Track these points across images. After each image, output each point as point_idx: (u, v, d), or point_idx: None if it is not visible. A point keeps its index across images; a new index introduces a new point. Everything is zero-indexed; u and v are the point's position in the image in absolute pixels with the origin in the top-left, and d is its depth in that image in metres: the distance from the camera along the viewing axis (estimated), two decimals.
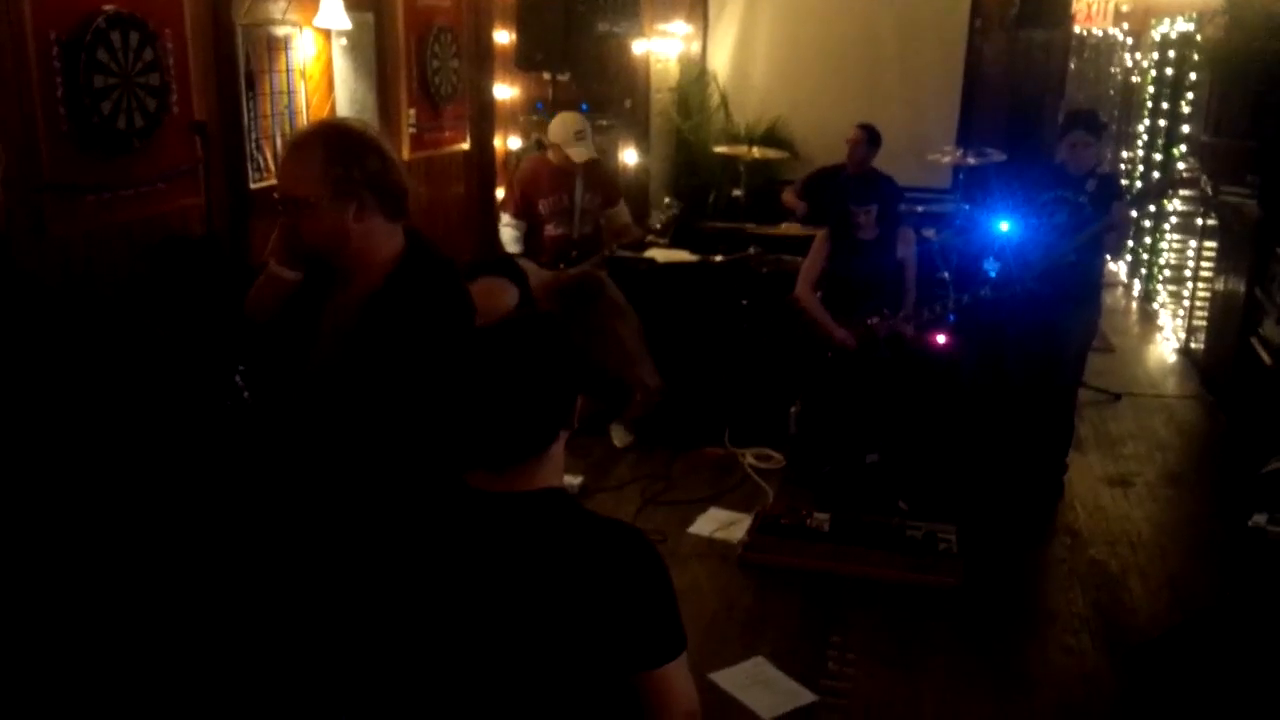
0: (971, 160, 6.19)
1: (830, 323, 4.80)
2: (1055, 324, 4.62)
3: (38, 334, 1.20)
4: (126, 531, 2.77)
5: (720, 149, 7.16)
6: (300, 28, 4.68)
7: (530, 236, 5.23)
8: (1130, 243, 8.80)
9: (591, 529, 1.61)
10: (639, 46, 6.85)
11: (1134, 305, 8.56)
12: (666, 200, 6.40)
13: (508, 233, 5.21)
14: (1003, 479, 4.71)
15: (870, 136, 6.19)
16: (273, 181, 4.50)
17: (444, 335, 2.05)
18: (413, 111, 5.65)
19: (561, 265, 5.13)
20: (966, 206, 6.27)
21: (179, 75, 3.90)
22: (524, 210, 5.19)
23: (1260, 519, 3.04)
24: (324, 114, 4.95)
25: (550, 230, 5.22)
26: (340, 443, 2.11)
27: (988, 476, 4.74)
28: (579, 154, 5.11)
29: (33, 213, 3.32)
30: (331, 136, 2.08)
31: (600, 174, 5.41)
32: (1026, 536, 4.39)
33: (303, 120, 4.74)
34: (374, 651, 1.65)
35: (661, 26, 7.18)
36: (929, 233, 6.02)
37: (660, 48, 7.21)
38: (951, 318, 4.99)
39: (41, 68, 3.29)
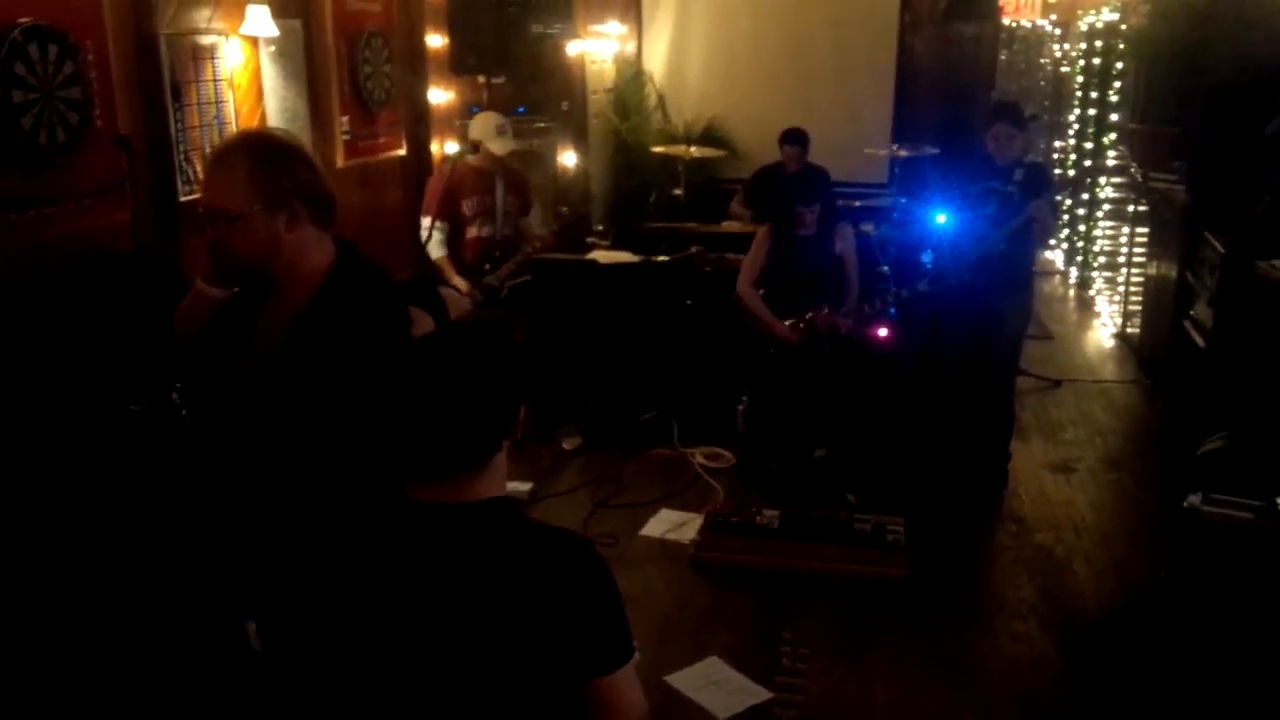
0: (904, 153, 6.25)
1: (773, 319, 4.84)
2: (989, 312, 4.68)
3: None
4: (63, 550, 2.69)
5: (659, 149, 7.16)
6: (226, 36, 4.58)
7: (452, 239, 5.23)
8: (1065, 230, 8.95)
9: (536, 538, 1.60)
10: (574, 48, 6.83)
11: (1071, 292, 8.70)
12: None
13: (434, 236, 5.16)
14: (948, 469, 4.76)
15: (800, 142, 6.21)
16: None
17: (377, 346, 2.01)
18: (346, 119, 5.57)
19: (486, 266, 5.18)
20: (903, 200, 6.33)
21: (102, 87, 3.81)
22: (448, 212, 5.19)
23: (1195, 499, 3.09)
24: (254, 123, 4.86)
25: (474, 232, 5.27)
26: (276, 457, 2.06)
27: (933, 467, 4.78)
28: (501, 146, 5.17)
29: None
30: (257, 147, 2.04)
31: (518, 180, 5.49)
32: (973, 525, 4.44)
33: (233, 130, 4.65)
34: (318, 668, 1.61)
35: (595, 27, 7.16)
36: (867, 227, 6.08)
37: (595, 48, 7.19)
38: (892, 311, 5.04)
39: None
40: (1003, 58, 9.26)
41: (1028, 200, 4.54)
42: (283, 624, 1.67)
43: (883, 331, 5.23)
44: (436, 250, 5.17)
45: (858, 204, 6.39)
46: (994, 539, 4.33)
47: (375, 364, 1.94)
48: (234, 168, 2.00)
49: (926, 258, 5.87)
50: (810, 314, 4.80)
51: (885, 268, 5.80)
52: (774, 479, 4.74)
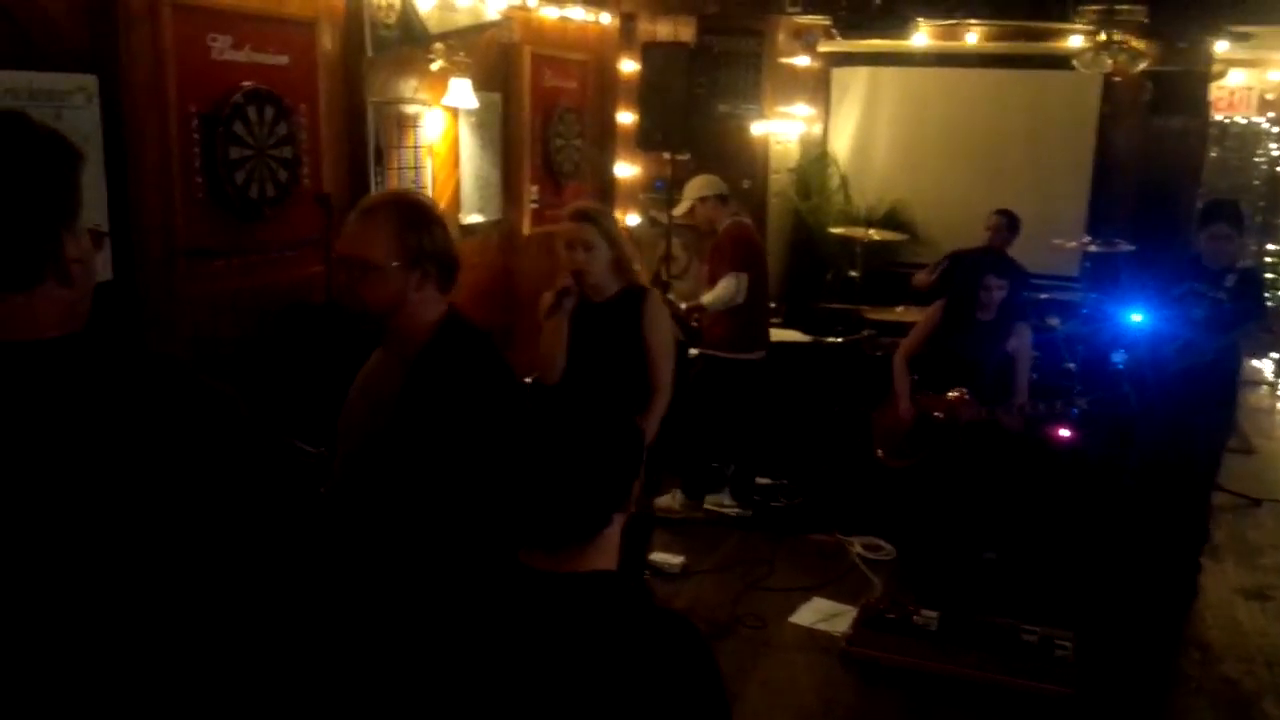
0: (1096, 248, 6.00)
1: (905, 393, 4.66)
2: (1188, 423, 4.38)
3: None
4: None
5: (838, 230, 7.11)
6: (430, 106, 4.85)
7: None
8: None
9: (640, 617, 1.56)
10: (759, 128, 6.90)
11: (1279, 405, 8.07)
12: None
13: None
14: (1128, 584, 4.45)
15: (1010, 222, 6.07)
16: None
17: (487, 399, 2.08)
18: (535, 188, 5.79)
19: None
20: (1094, 295, 6.06)
21: (311, 149, 4.08)
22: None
23: None
24: (449, 189, 5.11)
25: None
26: (390, 501, 2.10)
27: (1112, 581, 4.48)
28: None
29: (166, 274, 3.49)
30: (405, 207, 2.13)
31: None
32: (1151, 647, 4.11)
33: (428, 194, 4.89)
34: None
35: (783, 109, 7.22)
36: (1054, 321, 5.84)
37: (780, 129, 7.24)
38: (1074, 412, 4.79)
39: (181, 140, 3.48)
40: (1214, 154, 8.80)
41: (1240, 307, 4.25)
42: (386, 679, 1.68)
43: (1065, 432, 4.98)
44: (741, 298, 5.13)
45: (1044, 296, 6.14)
46: (1174, 665, 4.00)
47: (485, 418, 1.98)
48: (381, 223, 2.08)
49: (1118, 357, 5.59)
50: (952, 393, 4.56)
51: (1071, 365, 5.54)
52: (936, 578, 4.53)
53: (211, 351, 3.65)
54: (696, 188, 5.29)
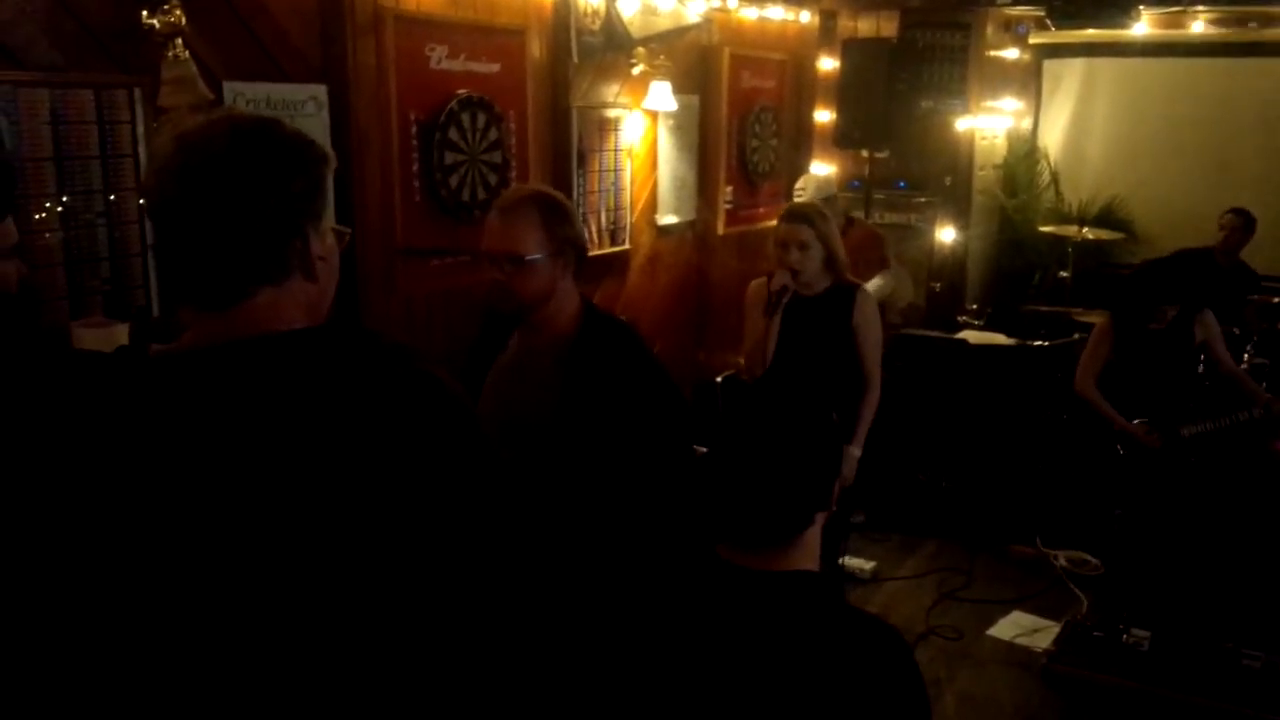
0: None
1: (1122, 420, 4.37)
2: None
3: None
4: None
5: (1047, 228, 6.82)
6: (630, 110, 4.96)
7: None
8: None
9: (843, 621, 1.54)
10: (963, 123, 6.69)
11: None
12: None
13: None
14: None
15: (1246, 222, 5.75)
16: (598, 251, 4.78)
17: (648, 389, 2.21)
18: (730, 188, 5.82)
19: None
20: None
21: (518, 153, 4.25)
22: None
23: None
24: (646, 190, 5.21)
25: None
26: (566, 492, 2.13)
27: None
28: None
29: (385, 272, 3.71)
30: (545, 201, 2.25)
31: None
32: None
33: (626, 196, 5.00)
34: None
35: (989, 103, 6.97)
36: None
37: (986, 124, 6.99)
38: None
39: (402, 145, 3.70)
40: None
41: None
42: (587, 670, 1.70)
43: None
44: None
45: (1277, 300, 5.70)
46: None
47: (654, 412, 2.14)
48: (526, 217, 2.19)
49: None
50: (1190, 427, 4.28)
51: None
52: (1148, 595, 4.29)
53: (425, 344, 3.87)
54: (818, 187, 5.12)
